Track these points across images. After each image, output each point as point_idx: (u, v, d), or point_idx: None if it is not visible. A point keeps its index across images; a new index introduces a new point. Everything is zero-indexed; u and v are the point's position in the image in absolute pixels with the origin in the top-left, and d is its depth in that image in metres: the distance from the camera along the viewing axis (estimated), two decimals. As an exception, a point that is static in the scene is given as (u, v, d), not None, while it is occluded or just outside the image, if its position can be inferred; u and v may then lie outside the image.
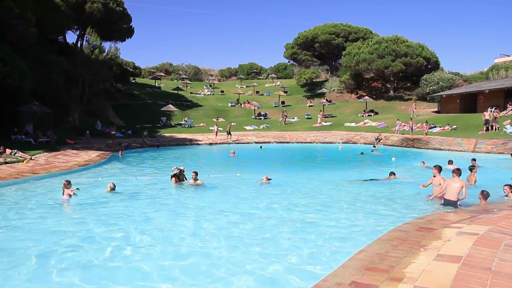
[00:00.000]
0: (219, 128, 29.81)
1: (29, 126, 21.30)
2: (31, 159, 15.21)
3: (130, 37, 40.01)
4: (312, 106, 43.96)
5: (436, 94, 36.45)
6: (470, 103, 31.77)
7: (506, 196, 8.70)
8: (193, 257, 5.55)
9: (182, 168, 11.54)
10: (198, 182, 11.18)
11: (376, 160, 18.99)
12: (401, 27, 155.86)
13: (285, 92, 52.91)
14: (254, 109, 41.36)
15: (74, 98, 28.37)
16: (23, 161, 14.57)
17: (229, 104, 46.62)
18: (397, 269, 3.71)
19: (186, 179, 11.45)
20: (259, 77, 71.50)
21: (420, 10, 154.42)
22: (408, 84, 45.34)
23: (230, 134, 28.63)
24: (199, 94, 51.97)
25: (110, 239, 6.27)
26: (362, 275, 3.58)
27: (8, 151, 15.32)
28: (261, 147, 25.44)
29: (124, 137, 27.74)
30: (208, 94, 52.61)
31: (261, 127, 36.46)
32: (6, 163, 13.85)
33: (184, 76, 62.37)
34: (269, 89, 56.30)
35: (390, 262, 3.93)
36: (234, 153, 20.57)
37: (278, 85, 59.14)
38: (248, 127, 35.97)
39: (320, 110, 38.55)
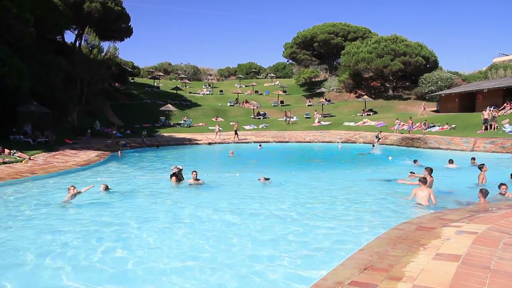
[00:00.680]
0: (220, 128, 29.81)
1: (28, 126, 21.26)
2: (29, 159, 15.17)
3: (129, 37, 39.96)
4: (311, 105, 43.96)
5: (435, 93, 36.49)
6: (469, 102, 31.83)
7: (503, 194, 8.71)
8: (192, 257, 5.54)
9: (180, 167, 11.53)
10: (198, 181, 11.17)
11: (376, 160, 19.00)
12: (400, 26, 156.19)
13: (284, 91, 52.91)
14: (253, 108, 41.35)
15: (72, 98, 28.30)
16: (21, 161, 14.53)
17: (228, 104, 46.60)
18: (396, 268, 3.71)
19: (183, 178, 11.43)
20: (258, 77, 71.48)
21: (419, 10, 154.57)
22: (407, 84, 45.38)
23: (237, 134, 28.80)
24: (198, 93, 51.93)
25: (109, 239, 6.26)
26: (361, 274, 3.57)
27: (6, 151, 15.28)
28: (259, 145, 25.43)
29: (123, 137, 27.69)
30: (207, 94, 52.56)
31: (260, 126, 36.46)
32: (4, 163, 13.81)
33: (183, 76, 62.29)
34: (268, 88, 56.28)
35: (389, 261, 3.92)
36: (232, 153, 20.57)
37: (277, 84, 59.13)
38: (247, 127, 35.96)
39: (315, 110, 38.53)
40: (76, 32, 35.45)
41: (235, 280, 4.74)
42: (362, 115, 37.36)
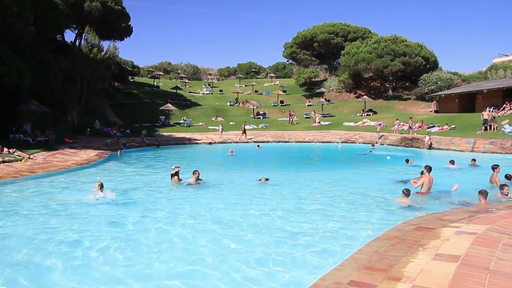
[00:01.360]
0: (223, 128, 29.86)
1: (27, 125, 21.25)
2: (29, 158, 15.16)
3: (129, 36, 39.88)
4: (311, 105, 43.96)
5: (435, 93, 36.50)
6: (469, 102, 31.83)
7: (506, 195, 8.70)
8: (191, 257, 5.54)
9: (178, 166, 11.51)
10: (198, 181, 11.16)
11: (375, 160, 19.01)
12: (400, 26, 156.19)
13: (284, 91, 52.90)
14: (253, 108, 41.35)
15: (72, 97, 28.27)
16: (21, 160, 14.52)
17: (228, 103, 46.59)
18: (395, 268, 3.71)
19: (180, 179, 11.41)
20: (258, 76, 71.47)
21: (419, 10, 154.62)
22: (407, 84, 45.38)
23: (246, 133, 28.87)
24: (198, 93, 51.90)
25: (108, 239, 6.26)
26: (360, 274, 3.57)
27: (6, 150, 15.27)
28: (258, 146, 25.42)
29: (123, 136, 27.67)
30: (207, 93, 52.54)
31: (260, 126, 36.45)
32: (4, 162, 13.80)
33: (183, 75, 62.23)
34: (268, 88, 56.28)
35: (388, 262, 3.93)
36: (232, 152, 20.61)
37: (277, 84, 59.12)
38: (246, 126, 35.91)
39: (314, 110, 38.52)
40: (76, 31, 35.38)
41: (236, 280, 4.74)
42: (361, 115, 37.36)
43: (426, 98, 38.67)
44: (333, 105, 43.86)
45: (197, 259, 5.42)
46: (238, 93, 51.23)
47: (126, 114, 35.71)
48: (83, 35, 33.09)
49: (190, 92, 51.55)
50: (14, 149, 15.46)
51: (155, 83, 54.03)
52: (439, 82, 38.13)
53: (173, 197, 9.98)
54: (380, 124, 27.88)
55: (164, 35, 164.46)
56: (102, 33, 33.66)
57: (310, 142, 28.19)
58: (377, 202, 8.99)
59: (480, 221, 5.79)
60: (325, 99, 43.46)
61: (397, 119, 29.83)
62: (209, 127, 35.26)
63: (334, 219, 7.43)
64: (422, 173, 11.88)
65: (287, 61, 67.41)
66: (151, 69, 68.46)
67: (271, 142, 28.22)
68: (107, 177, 12.56)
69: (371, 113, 38.10)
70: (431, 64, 43.51)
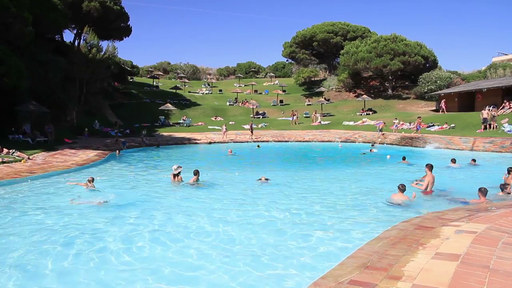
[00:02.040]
0: (226, 128, 29.89)
1: (27, 125, 21.21)
2: (29, 158, 15.14)
3: (128, 36, 39.81)
4: (310, 104, 43.97)
5: (434, 93, 36.51)
6: (468, 101, 31.85)
7: (509, 193, 8.69)
8: (191, 257, 5.53)
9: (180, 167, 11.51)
10: (198, 181, 11.15)
11: (375, 159, 18.99)
12: (399, 25, 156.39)
13: (284, 91, 52.91)
14: (253, 108, 41.35)
15: (71, 97, 28.26)
16: (20, 161, 14.50)
17: (228, 103, 46.59)
18: (395, 267, 3.71)
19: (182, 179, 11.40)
20: (258, 76, 71.49)
21: (418, 9, 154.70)
22: (407, 83, 45.40)
23: (253, 132, 29.06)
24: (198, 93, 51.90)
25: (107, 240, 6.25)
26: (360, 273, 3.57)
27: (5, 150, 15.25)
28: (258, 146, 25.40)
29: (122, 136, 27.66)
30: (206, 93, 52.54)
31: (260, 126, 36.44)
32: (3, 162, 13.79)
33: (182, 75, 62.24)
34: (268, 88, 56.30)
35: (388, 261, 3.92)
36: (231, 152, 20.61)
37: (277, 84, 59.13)
38: (246, 126, 35.91)
39: (315, 111, 38.51)
40: (75, 31, 35.33)
41: (236, 280, 4.74)
42: (361, 115, 37.36)
43: (426, 97, 38.68)
44: (332, 104, 43.86)
45: (197, 259, 5.42)
46: (237, 92, 51.23)
47: (125, 114, 35.70)
48: (82, 35, 33.09)
49: (189, 92, 51.56)
50: (14, 150, 15.44)
51: (154, 83, 54.01)
52: (438, 81, 38.14)
53: (173, 197, 9.97)
54: (380, 123, 27.88)
55: (163, 35, 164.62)
56: (101, 33, 33.63)
57: (309, 141, 28.19)
58: (376, 201, 8.99)
59: (480, 220, 5.79)
60: (325, 99, 43.47)
61: (395, 119, 29.84)
62: (209, 126, 35.26)
63: (334, 218, 7.42)
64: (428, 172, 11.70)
65: (287, 60, 67.48)
66: (150, 69, 68.46)
67: (271, 141, 28.21)
68: (107, 176, 12.55)
69: (370, 112, 38.10)
70: (431, 63, 43.52)
